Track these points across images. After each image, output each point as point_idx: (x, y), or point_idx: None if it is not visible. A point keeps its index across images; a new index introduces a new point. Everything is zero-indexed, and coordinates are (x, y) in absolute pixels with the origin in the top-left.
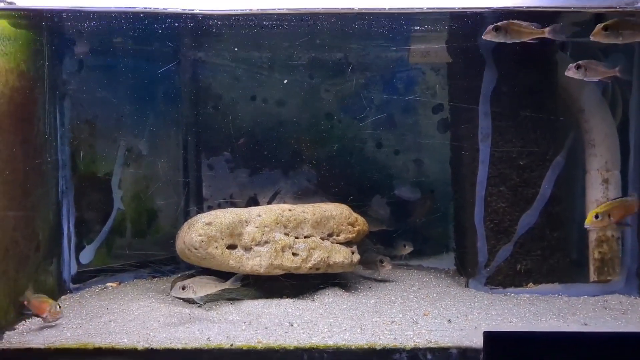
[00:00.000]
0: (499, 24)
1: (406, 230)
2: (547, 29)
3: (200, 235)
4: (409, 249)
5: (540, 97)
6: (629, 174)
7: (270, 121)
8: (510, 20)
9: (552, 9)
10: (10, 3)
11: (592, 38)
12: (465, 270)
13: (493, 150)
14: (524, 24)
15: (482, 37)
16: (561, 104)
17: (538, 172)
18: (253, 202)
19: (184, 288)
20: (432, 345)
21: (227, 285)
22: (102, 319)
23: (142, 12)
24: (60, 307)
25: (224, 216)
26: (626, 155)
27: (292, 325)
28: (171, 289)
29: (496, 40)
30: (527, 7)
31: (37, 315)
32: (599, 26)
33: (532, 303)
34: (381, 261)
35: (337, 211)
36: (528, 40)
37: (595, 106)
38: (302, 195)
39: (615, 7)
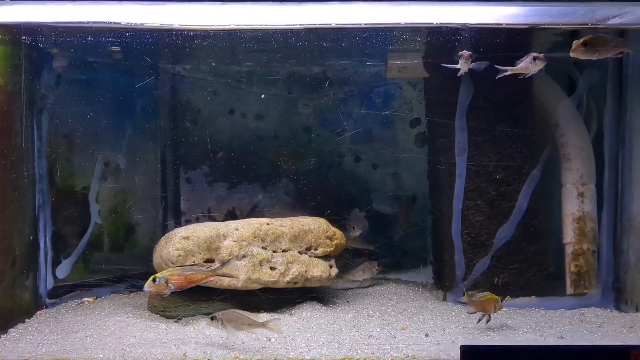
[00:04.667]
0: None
1: (385, 244)
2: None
3: (177, 250)
4: (357, 232)
5: (516, 112)
6: (604, 188)
7: (249, 135)
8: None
9: (527, 25)
10: None
11: (571, 54)
12: (442, 283)
13: (470, 164)
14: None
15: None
16: (537, 119)
17: (514, 186)
18: (231, 215)
19: (212, 318)
20: (409, 359)
21: (264, 326)
22: (78, 334)
23: (121, 27)
24: None
25: (202, 230)
26: (601, 169)
27: (269, 340)
28: (148, 304)
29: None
30: (506, 25)
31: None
32: (578, 42)
33: (509, 316)
34: (353, 227)
35: (315, 225)
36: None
37: (570, 120)
38: (280, 209)
39: (588, 24)
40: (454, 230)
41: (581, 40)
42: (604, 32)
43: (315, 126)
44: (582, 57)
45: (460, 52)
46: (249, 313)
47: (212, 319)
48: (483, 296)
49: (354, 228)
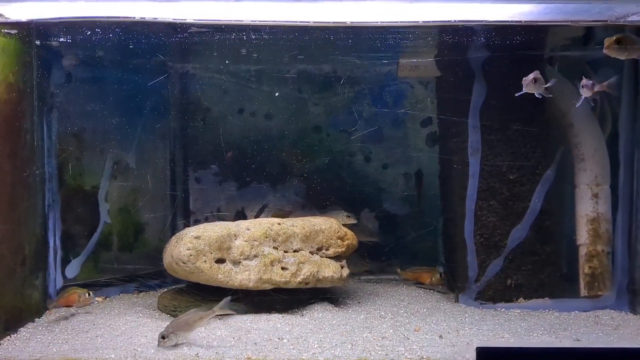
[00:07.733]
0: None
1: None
2: None
3: (188, 249)
4: (352, 220)
5: (530, 111)
6: (618, 188)
7: (259, 134)
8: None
9: (544, 22)
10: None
11: (605, 52)
12: (455, 285)
13: (483, 164)
14: None
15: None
16: (551, 118)
17: (528, 186)
18: (241, 215)
19: (163, 337)
20: None
21: (215, 312)
22: (89, 334)
23: (133, 22)
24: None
25: (213, 230)
26: (616, 170)
27: (282, 340)
28: (158, 304)
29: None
30: (523, 22)
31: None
32: (611, 40)
33: (523, 318)
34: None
35: (326, 225)
36: None
37: (584, 120)
38: (291, 209)
39: (607, 20)
40: (466, 231)
41: (614, 38)
42: (621, 29)
43: (325, 125)
44: (614, 55)
45: (583, 83)
46: (199, 308)
47: (163, 337)
48: None
49: (347, 217)
